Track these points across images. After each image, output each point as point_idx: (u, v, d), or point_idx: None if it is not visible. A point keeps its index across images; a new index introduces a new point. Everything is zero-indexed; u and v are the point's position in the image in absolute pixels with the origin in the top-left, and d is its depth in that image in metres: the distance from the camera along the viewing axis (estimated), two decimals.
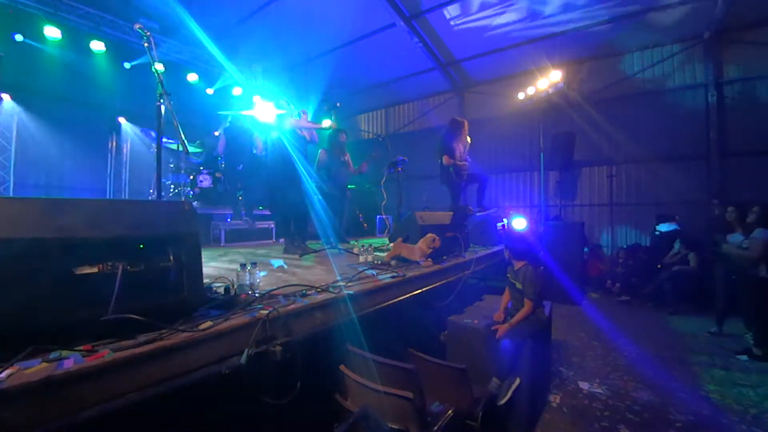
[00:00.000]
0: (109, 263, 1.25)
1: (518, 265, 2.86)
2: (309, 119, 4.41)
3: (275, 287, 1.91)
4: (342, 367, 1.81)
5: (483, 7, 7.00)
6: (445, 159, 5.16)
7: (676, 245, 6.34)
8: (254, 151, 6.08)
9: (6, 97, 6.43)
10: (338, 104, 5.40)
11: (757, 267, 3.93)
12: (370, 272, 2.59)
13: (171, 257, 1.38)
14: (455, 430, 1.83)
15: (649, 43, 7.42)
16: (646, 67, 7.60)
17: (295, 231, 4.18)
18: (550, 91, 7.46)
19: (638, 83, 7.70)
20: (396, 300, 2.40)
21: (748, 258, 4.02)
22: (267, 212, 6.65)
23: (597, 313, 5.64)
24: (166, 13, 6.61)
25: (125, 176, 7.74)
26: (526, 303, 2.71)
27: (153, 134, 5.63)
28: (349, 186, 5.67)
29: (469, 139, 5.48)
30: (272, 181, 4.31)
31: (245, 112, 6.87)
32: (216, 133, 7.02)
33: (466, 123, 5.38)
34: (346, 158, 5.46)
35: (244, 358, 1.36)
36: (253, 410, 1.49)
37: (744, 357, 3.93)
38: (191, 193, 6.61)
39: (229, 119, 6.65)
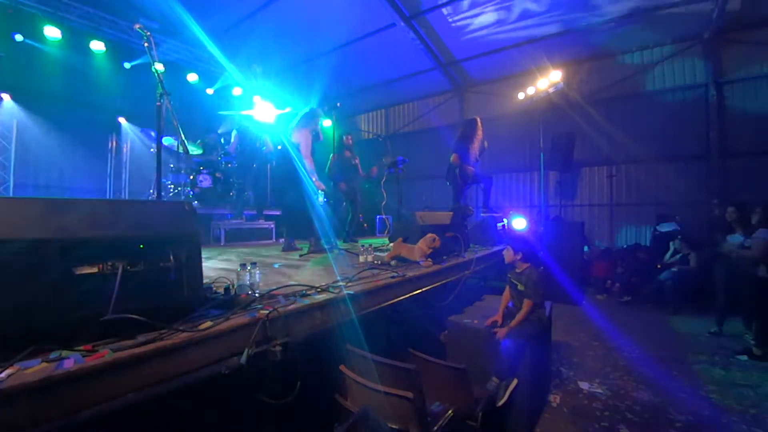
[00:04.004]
0: (109, 263, 1.25)
1: (521, 267, 2.85)
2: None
3: (275, 287, 1.92)
4: (342, 367, 1.81)
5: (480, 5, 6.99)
6: (453, 158, 5.14)
7: (672, 245, 6.34)
8: (263, 149, 6.12)
9: (6, 97, 6.43)
10: (338, 104, 5.42)
11: (758, 267, 3.93)
12: (370, 272, 2.59)
13: (171, 257, 1.38)
14: (455, 430, 1.83)
15: (649, 43, 7.42)
16: (646, 67, 7.60)
17: (297, 230, 4.21)
18: (550, 91, 7.46)
19: (638, 83, 7.70)
20: (396, 300, 2.40)
21: (749, 258, 4.02)
22: (269, 212, 6.68)
23: (597, 313, 5.64)
24: (166, 13, 6.61)
25: (125, 176, 7.73)
26: (525, 303, 2.71)
27: (153, 134, 5.64)
28: (366, 185, 5.71)
29: (486, 143, 5.42)
30: (277, 180, 4.33)
31: (245, 112, 6.90)
32: (219, 131, 7.05)
33: (479, 120, 5.28)
34: (356, 162, 5.48)
35: (244, 358, 1.36)
36: (253, 410, 1.49)
37: (744, 357, 3.93)
38: (191, 193, 6.61)
39: (237, 120, 6.69)
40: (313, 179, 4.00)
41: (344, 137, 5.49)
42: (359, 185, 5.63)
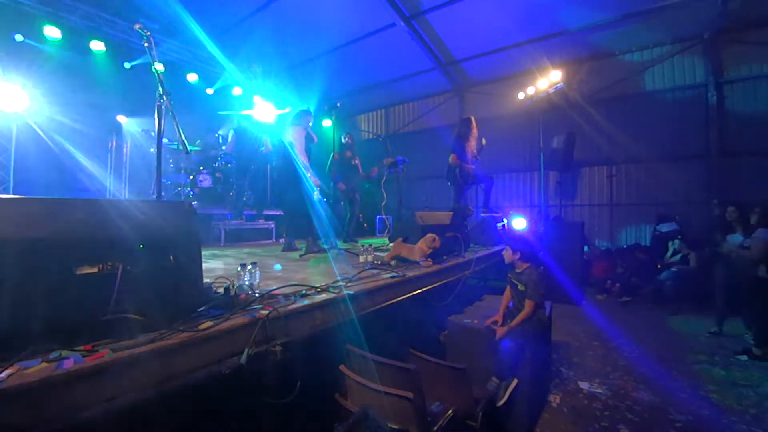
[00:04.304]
0: (109, 263, 1.25)
1: (521, 267, 2.85)
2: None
3: (275, 287, 1.91)
4: (342, 367, 1.81)
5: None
6: (452, 158, 5.16)
7: (671, 246, 6.33)
8: (262, 149, 6.13)
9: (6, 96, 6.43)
10: (338, 104, 5.41)
11: (758, 267, 3.92)
12: (370, 272, 2.59)
13: (171, 257, 1.39)
14: (455, 430, 1.83)
15: (649, 43, 7.42)
16: (646, 67, 7.60)
17: (297, 230, 4.22)
18: (550, 91, 7.45)
19: (638, 83, 7.70)
20: (396, 300, 2.40)
21: (748, 258, 4.02)
22: (269, 212, 6.69)
23: (597, 313, 5.64)
24: (166, 13, 6.61)
25: (125, 176, 7.73)
26: (527, 304, 2.70)
27: (153, 134, 5.64)
28: (366, 185, 5.72)
29: (483, 140, 5.45)
30: (277, 180, 4.35)
31: (245, 112, 6.90)
32: (220, 132, 7.05)
33: (473, 119, 5.33)
34: (356, 162, 5.49)
35: (244, 358, 1.36)
36: (253, 410, 1.48)
37: (744, 357, 3.93)
38: (191, 193, 6.62)
39: (236, 120, 6.70)
40: (309, 174, 4.02)
41: (344, 137, 5.51)
42: (359, 185, 5.64)
